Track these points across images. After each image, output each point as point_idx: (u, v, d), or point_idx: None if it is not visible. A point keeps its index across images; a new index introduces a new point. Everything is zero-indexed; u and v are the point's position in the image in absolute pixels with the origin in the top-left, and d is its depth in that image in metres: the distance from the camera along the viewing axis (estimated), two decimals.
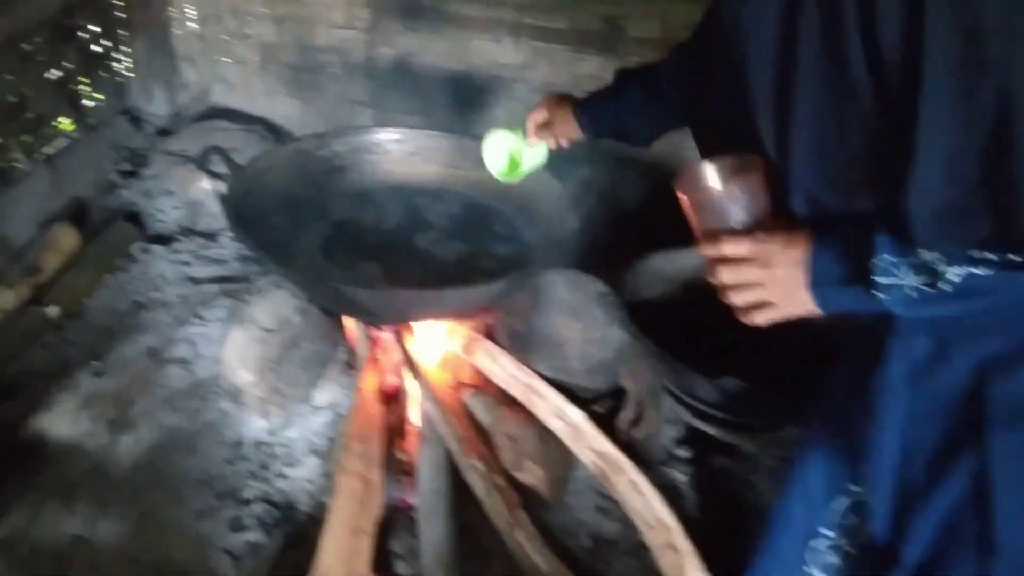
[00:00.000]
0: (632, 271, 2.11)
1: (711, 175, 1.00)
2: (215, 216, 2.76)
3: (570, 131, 1.62)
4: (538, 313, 1.98)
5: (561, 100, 1.63)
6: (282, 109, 3.16)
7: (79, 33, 2.75)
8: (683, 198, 1.04)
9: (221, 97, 3.21)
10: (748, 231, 1.00)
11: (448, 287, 1.67)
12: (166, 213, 2.79)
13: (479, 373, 2.04)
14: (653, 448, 2.01)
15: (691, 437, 2.08)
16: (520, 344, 2.00)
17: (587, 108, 1.58)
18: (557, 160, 1.78)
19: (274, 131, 3.13)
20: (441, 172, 2.25)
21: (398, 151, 2.24)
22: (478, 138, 2.20)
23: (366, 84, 3.00)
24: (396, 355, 1.99)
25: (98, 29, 2.85)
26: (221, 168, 1.91)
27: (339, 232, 2.05)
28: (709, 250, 1.02)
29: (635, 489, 1.80)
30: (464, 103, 2.92)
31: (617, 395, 2.07)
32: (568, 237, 1.85)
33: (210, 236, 2.74)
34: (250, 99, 3.18)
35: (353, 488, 1.71)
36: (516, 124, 1.70)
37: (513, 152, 1.72)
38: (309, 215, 2.07)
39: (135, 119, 3.09)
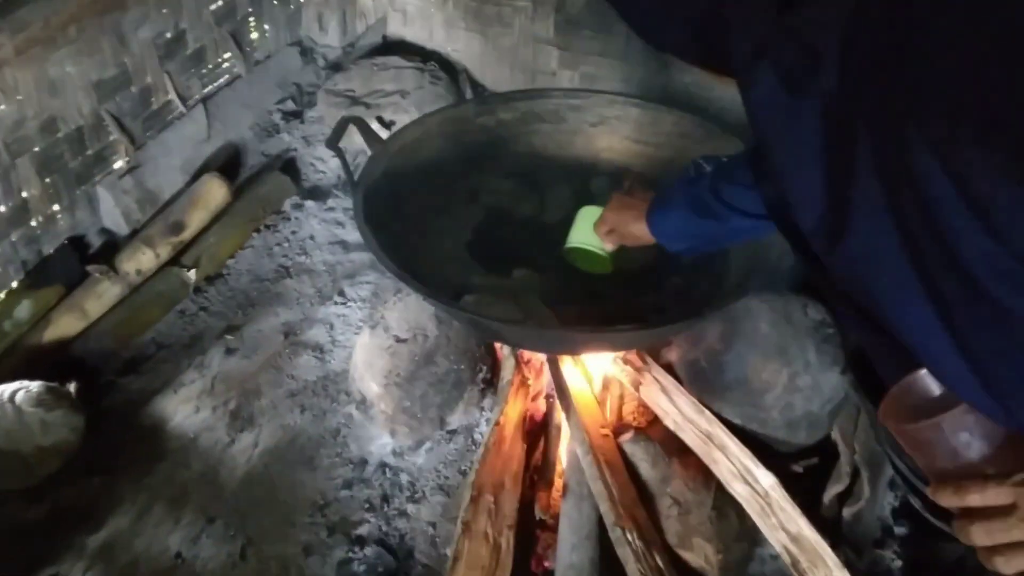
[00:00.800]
0: None
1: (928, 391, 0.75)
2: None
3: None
4: (730, 348, 1.56)
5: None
6: (461, 44, 2.80)
7: None
8: (895, 430, 0.76)
9: (397, 28, 2.89)
10: (995, 464, 0.71)
11: (621, 327, 1.29)
12: (325, 163, 2.54)
13: (647, 411, 1.66)
14: (865, 528, 1.57)
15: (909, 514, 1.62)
16: (703, 383, 1.60)
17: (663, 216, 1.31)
18: None
19: (449, 69, 2.78)
20: (627, 149, 1.83)
21: (575, 120, 1.84)
22: (675, 107, 1.79)
23: (555, 20, 2.58)
24: (547, 381, 1.64)
25: None
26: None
27: (493, 223, 1.70)
28: (949, 499, 0.73)
29: None
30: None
31: (823, 452, 1.63)
32: (782, 253, 1.41)
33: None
34: (428, 32, 2.84)
35: (478, 554, 1.41)
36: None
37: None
38: (459, 200, 1.73)
39: (305, 51, 2.84)
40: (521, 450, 1.56)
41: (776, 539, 1.47)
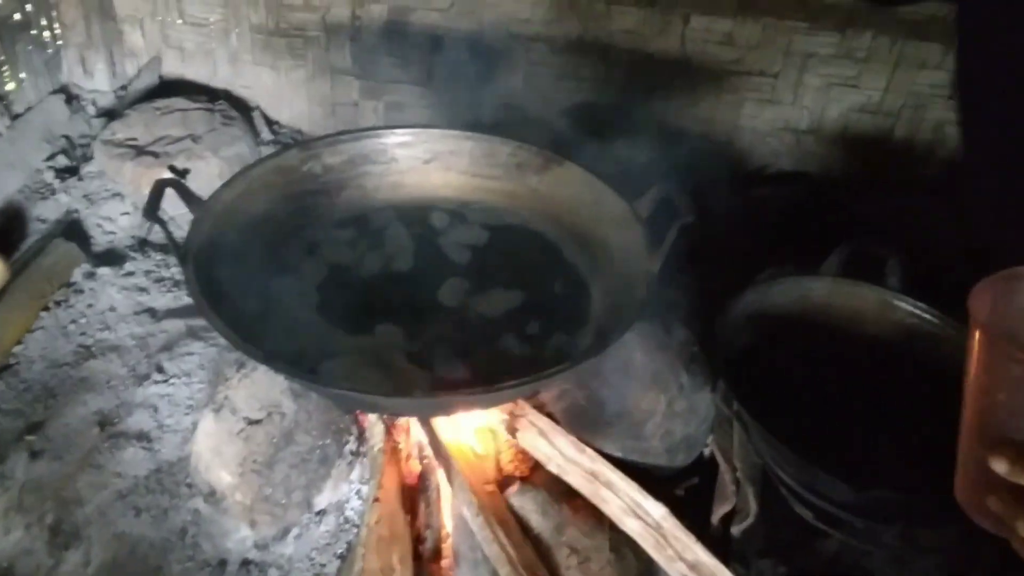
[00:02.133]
0: (726, 313, 1.63)
1: None
2: (177, 222, 2.24)
3: None
4: (607, 383, 1.51)
5: None
6: (250, 80, 2.61)
7: None
8: (981, 339, 0.57)
9: (175, 67, 2.65)
10: None
11: (503, 385, 1.19)
12: (114, 222, 2.27)
13: (527, 458, 1.58)
14: (756, 544, 1.58)
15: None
16: (583, 421, 1.54)
17: None
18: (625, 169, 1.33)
19: (241, 107, 2.59)
20: (465, 183, 1.75)
21: (407, 159, 1.74)
22: (509, 138, 1.73)
23: (351, 49, 2.46)
24: (419, 445, 1.53)
25: None
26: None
27: (339, 276, 1.56)
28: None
29: None
30: (471, 70, 2.40)
31: (698, 470, 1.63)
32: (648, 281, 1.38)
33: (150, 223, 2.22)
34: (211, 69, 2.62)
35: None
36: None
37: None
38: (297, 256, 1.58)
39: (71, 99, 2.54)
40: (405, 523, 1.44)
41: (675, 570, 1.44)
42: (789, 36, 2.21)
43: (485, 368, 1.42)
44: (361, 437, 1.57)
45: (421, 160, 1.74)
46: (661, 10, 2.22)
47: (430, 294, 1.54)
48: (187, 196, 1.45)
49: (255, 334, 1.31)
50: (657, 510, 1.45)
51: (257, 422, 1.45)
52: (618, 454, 1.54)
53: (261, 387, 1.47)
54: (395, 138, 1.72)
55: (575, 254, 1.63)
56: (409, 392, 1.29)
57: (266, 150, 2.49)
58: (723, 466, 1.54)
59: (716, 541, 1.52)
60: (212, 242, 1.43)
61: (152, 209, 1.35)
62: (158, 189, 1.38)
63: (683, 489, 1.61)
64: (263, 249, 1.53)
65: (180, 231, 1.51)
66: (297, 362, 1.36)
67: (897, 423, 1.58)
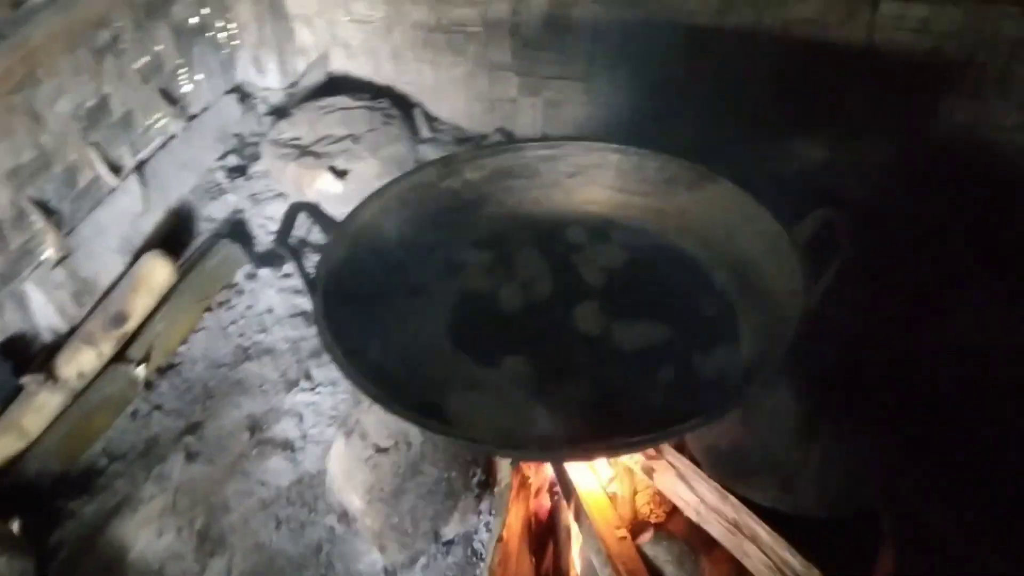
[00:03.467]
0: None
1: None
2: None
3: None
4: (751, 430, 1.39)
5: None
6: (411, 76, 2.60)
7: (169, 5, 2.28)
8: None
9: (342, 63, 2.69)
10: None
11: (636, 439, 1.10)
12: (276, 222, 2.33)
13: (664, 501, 1.48)
14: None
15: None
16: (725, 467, 1.42)
17: None
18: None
19: (402, 104, 2.59)
20: (610, 199, 1.64)
21: (550, 173, 1.65)
22: (659, 151, 1.61)
23: (510, 44, 2.39)
24: (550, 480, 1.46)
25: None
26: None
27: (473, 302, 1.50)
28: None
29: None
30: (633, 65, 2.28)
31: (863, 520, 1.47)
32: (801, 319, 1.23)
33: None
34: (374, 65, 2.64)
35: None
36: None
37: None
38: (432, 279, 1.53)
39: (244, 98, 2.62)
40: (530, 565, 1.38)
41: None
42: (996, 22, 1.94)
43: (620, 410, 1.32)
44: (490, 469, 1.52)
45: (565, 174, 1.65)
46: None
47: (569, 321, 1.46)
48: (321, 220, 1.43)
49: (384, 367, 1.28)
50: (806, 570, 1.32)
51: (384, 451, 1.43)
52: (765, 503, 1.41)
53: (391, 415, 1.45)
54: (538, 151, 1.64)
55: (724, 281, 1.49)
56: (545, 446, 1.21)
57: (424, 148, 2.48)
58: (885, 513, 1.37)
59: None
60: (344, 267, 1.41)
61: (284, 237, 1.34)
62: (291, 214, 1.37)
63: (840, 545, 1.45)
64: (397, 272, 1.49)
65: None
66: (421, 395, 1.31)
67: None
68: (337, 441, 1.52)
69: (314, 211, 1.43)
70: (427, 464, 1.43)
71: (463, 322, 1.46)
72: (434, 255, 1.56)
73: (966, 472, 1.43)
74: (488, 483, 1.51)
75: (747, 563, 1.36)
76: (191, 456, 1.79)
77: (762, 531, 1.36)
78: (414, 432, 1.44)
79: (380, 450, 1.43)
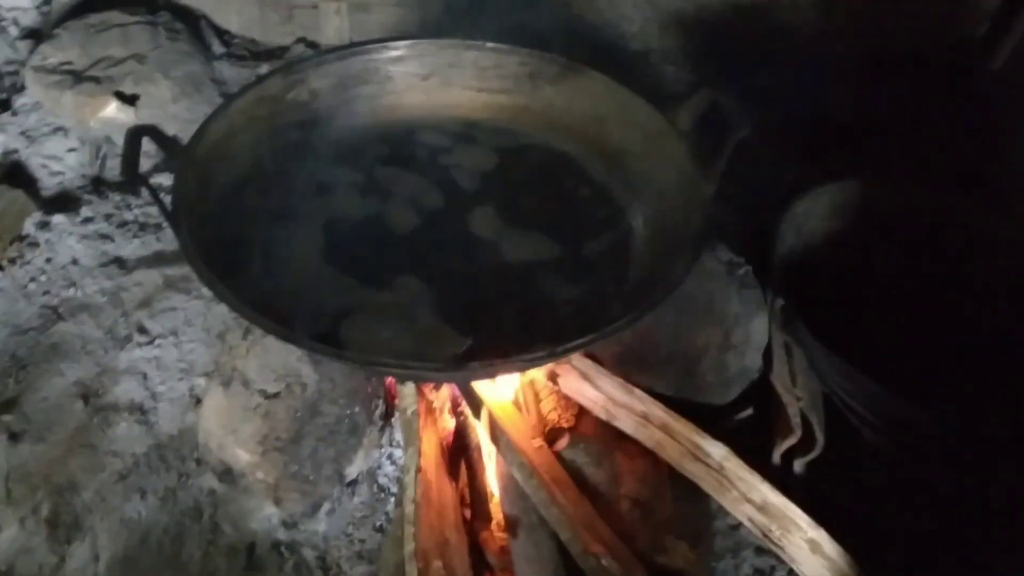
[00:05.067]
0: (778, 225, 1.48)
1: None
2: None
3: None
4: (659, 322, 1.37)
5: None
6: None
7: None
8: None
9: None
10: None
11: (551, 350, 1.04)
12: (61, 160, 2.02)
13: (570, 404, 1.45)
14: (817, 476, 1.48)
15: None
16: (631, 363, 1.41)
17: None
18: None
19: (184, 16, 2.30)
20: (472, 100, 1.55)
21: (402, 75, 1.53)
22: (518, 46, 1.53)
23: None
24: (452, 400, 1.39)
25: None
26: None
27: (347, 222, 1.37)
28: None
29: (815, 550, 1.30)
30: None
31: (750, 399, 1.52)
32: (704, 208, 1.23)
33: (130, 186, 1.98)
34: None
35: None
36: None
37: None
38: (297, 201, 1.38)
39: None
40: (452, 490, 1.31)
41: (741, 512, 1.34)
42: None
43: (523, 321, 1.27)
44: (390, 397, 1.42)
45: (419, 76, 1.53)
46: None
47: (453, 234, 1.37)
48: (164, 143, 1.25)
49: (267, 298, 1.15)
50: (718, 451, 1.35)
51: (275, 395, 1.28)
52: (668, 392, 1.42)
53: (275, 355, 1.30)
54: (386, 53, 1.51)
55: (605, 176, 1.46)
56: (458, 364, 1.13)
57: (220, 66, 2.23)
58: (785, 397, 1.42)
59: (782, 481, 1.43)
60: (200, 196, 1.24)
61: (131, 166, 1.14)
62: (133, 139, 1.17)
63: (732, 423, 1.50)
64: (257, 195, 1.34)
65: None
66: (313, 326, 1.19)
67: (959, 333, 1.49)
68: (212, 393, 1.35)
69: (156, 134, 1.24)
70: (326, 403, 1.30)
71: (342, 246, 1.34)
72: (295, 175, 1.41)
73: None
74: (390, 413, 1.41)
75: (662, 453, 1.37)
76: (15, 436, 1.54)
77: (671, 420, 1.37)
78: (306, 371, 1.30)
79: (269, 396, 1.28)
